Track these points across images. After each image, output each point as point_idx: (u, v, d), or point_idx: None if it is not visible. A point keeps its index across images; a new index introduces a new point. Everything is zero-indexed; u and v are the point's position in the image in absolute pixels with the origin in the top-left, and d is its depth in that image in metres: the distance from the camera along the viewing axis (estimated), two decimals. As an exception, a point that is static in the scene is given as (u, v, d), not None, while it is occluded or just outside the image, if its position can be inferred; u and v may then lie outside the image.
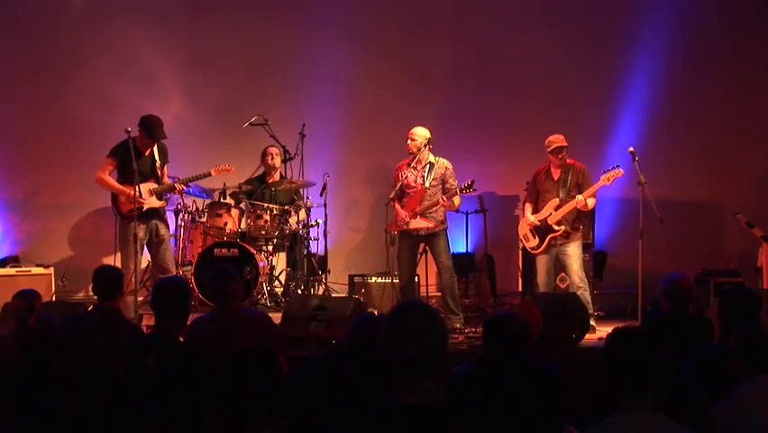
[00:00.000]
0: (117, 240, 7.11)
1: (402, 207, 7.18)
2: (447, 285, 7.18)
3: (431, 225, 7.08)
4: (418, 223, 7.09)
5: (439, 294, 7.45)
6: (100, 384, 2.78)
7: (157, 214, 7.18)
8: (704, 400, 3.42)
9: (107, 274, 5.00)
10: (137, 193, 6.89)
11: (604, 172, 7.11)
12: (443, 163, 7.14)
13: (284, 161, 8.22)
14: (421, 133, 7.11)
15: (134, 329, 5.00)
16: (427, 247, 7.31)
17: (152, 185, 7.14)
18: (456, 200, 7.07)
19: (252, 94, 8.84)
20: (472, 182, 6.92)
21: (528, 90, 9.30)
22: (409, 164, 7.17)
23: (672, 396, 3.12)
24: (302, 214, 8.19)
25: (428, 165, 7.12)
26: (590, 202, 7.16)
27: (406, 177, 7.17)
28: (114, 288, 4.94)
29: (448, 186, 7.08)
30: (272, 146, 8.27)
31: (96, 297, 5.11)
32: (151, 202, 7.10)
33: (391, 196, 7.17)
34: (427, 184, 7.08)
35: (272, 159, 8.27)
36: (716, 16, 9.42)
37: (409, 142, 7.12)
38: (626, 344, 2.81)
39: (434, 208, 7.08)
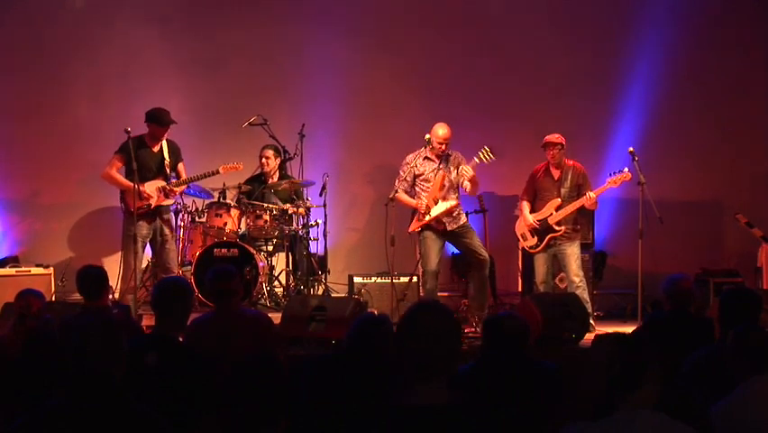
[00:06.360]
0: (122, 236, 7.19)
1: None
2: (484, 278, 7.11)
3: (453, 203, 6.96)
4: (441, 207, 6.96)
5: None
6: (100, 384, 2.78)
7: (162, 214, 7.22)
8: (704, 400, 3.42)
9: (89, 274, 4.97)
10: (136, 192, 6.93)
11: (610, 175, 7.10)
12: (457, 154, 7.09)
13: (283, 162, 8.21)
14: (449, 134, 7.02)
15: (134, 329, 5.01)
16: (457, 244, 7.23)
17: (161, 183, 7.16)
18: (471, 171, 6.91)
19: (252, 94, 8.82)
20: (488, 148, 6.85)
21: (528, 90, 9.29)
22: (425, 156, 7.05)
23: (672, 396, 3.11)
24: (301, 210, 8.16)
25: (445, 156, 7.06)
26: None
27: (424, 169, 7.07)
28: (99, 287, 4.93)
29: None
30: (266, 148, 8.24)
31: (82, 298, 5.07)
32: (159, 200, 7.16)
33: (396, 189, 7.00)
34: (453, 174, 7.02)
35: (266, 164, 8.24)
36: (716, 16, 9.42)
37: (443, 145, 6.98)
38: (607, 349, 2.81)
39: (454, 195, 7.02)
